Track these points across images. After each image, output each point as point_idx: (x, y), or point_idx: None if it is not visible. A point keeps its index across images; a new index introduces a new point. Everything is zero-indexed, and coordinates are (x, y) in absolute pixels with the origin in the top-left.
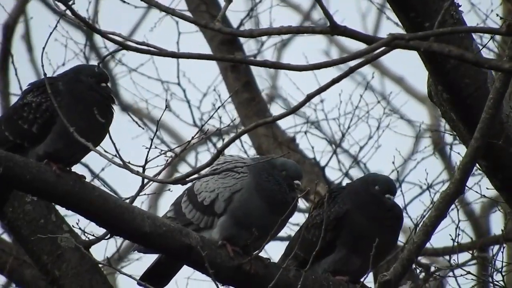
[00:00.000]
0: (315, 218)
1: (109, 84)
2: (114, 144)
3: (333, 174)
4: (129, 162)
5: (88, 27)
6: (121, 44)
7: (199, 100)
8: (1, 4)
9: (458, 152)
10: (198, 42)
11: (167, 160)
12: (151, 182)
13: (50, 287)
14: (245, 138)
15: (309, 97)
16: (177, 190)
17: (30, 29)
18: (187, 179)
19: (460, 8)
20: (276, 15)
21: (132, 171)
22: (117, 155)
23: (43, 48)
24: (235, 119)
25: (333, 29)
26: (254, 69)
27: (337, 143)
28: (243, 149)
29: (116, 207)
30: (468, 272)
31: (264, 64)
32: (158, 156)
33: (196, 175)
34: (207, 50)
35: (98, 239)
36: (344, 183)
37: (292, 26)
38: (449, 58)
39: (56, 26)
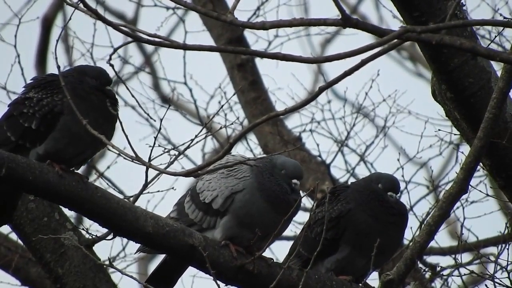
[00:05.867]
0: (317, 215)
1: (111, 87)
2: (126, 136)
3: (339, 173)
4: (136, 157)
5: (99, 19)
6: (132, 36)
7: (206, 102)
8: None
9: (462, 152)
10: (205, 41)
11: (171, 158)
12: (159, 176)
13: (54, 285)
14: (252, 136)
15: (321, 90)
16: (180, 189)
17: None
18: (199, 171)
19: (463, 8)
20: (283, 14)
21: (144, 163)
22: (130, 146)
23: (57, 41)
24: (238, 118)
25: (345, 22)
26: (261, 68)
27: (343, 142)
28: (249, 147)
29: (119, 207)
30: (472, 272)
31: (276, 56)
32: (162, 154)
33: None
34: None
35: (101, 238)
36: (349, 182)
37: (304, 18)
38: (460, 51)
39: (69, 19)
